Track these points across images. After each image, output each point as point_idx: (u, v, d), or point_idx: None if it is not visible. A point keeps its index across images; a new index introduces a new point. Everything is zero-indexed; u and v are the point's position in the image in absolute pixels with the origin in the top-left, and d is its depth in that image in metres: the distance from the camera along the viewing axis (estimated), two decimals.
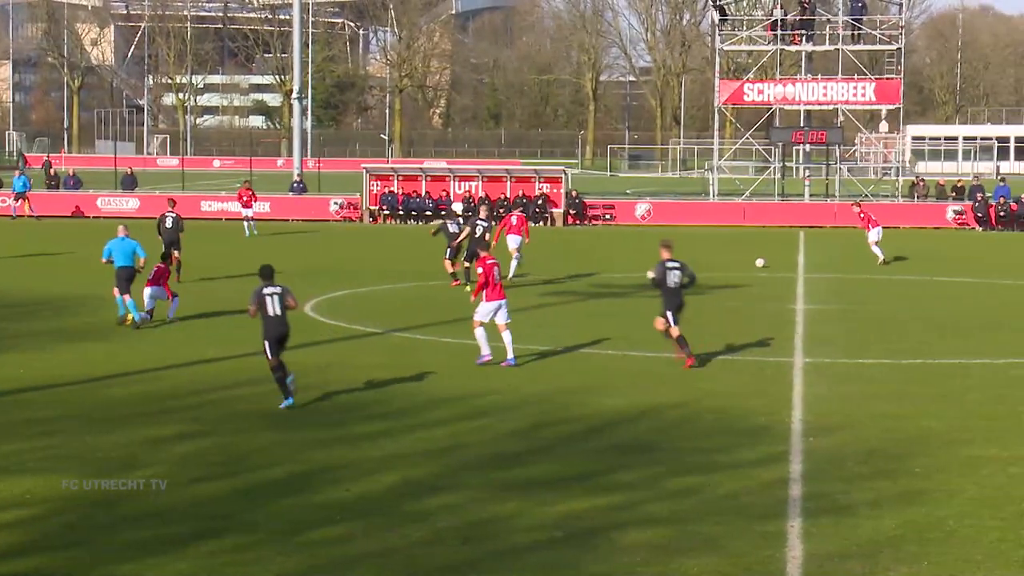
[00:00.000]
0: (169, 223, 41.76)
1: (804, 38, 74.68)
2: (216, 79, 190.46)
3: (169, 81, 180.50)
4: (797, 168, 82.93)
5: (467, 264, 40.16)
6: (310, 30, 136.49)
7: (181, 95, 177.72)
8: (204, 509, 17.35)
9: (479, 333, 27.34)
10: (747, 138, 79.98)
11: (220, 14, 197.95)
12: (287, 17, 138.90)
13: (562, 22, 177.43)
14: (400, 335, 31.61)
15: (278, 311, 23.44)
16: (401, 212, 69.09)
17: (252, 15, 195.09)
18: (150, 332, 31.45)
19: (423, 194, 69.91)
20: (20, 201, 69.12)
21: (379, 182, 70.76)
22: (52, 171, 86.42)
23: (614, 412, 23.21)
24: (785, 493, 18.22)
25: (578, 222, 69.19)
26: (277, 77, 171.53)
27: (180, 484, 18.32)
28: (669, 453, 20.51)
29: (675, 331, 27.79)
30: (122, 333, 31.16)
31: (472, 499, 17.87)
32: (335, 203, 70.80)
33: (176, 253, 39.86)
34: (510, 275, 41.61)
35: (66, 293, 38.47)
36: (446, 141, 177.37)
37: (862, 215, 51.00)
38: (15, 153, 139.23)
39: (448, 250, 41.52)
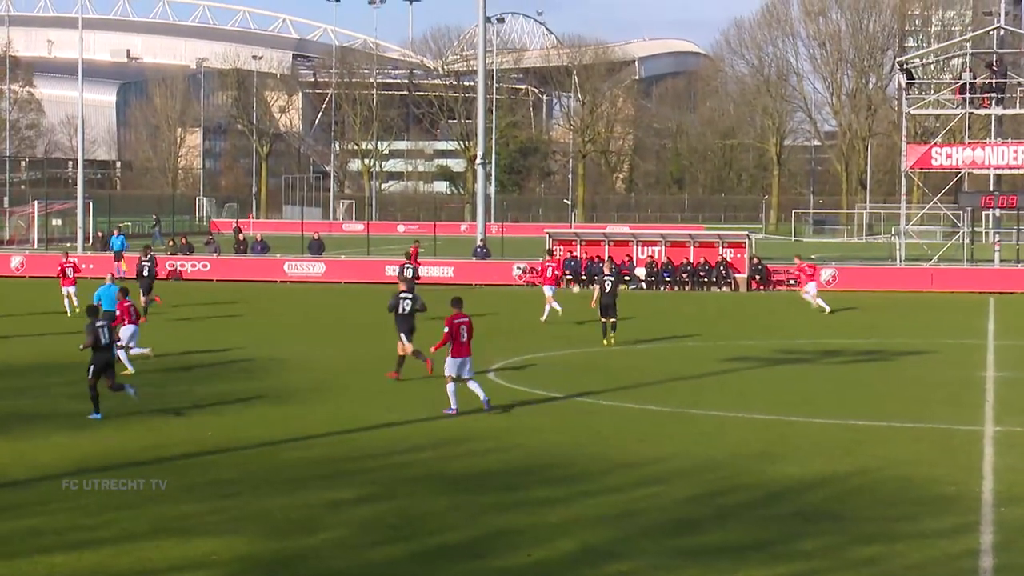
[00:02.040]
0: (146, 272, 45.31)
1: (994, 101, 73.49)
2: (401, 145, 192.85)
3: (355, 147, 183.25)
4: (986, 233, 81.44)
5: (608, 319, 42.69)
6: (494, 96, 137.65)
7: (367, 161, 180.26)
8: (381, 571, 17.36)
9: (450, 388, 28.51)
10: (935, 202, 78.78)
11: (405, 81, 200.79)
12: (471, 84, 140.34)
13: (745, 86, 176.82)
14: (580, 400, 31.48)
15: None
16: (584, 277, 69.10)
17: (437, 82, 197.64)
18: (328, 396, 31.68)
19: (606, 259, 69.83)
20: (118, 261, 69.37)
21: (562, 247, 70.91)
22: (241, 236, 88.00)
23: (794, 479, 22.83)
24: (974, 564, 17.73)
25: (762, 287, 68.60)
26: (461, 143, 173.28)
27: (358, 547, 18.37)
28: (850, 522, 20.08)
29: (409, 348, 33.67)
30: (300, 397, 31.42)
31: (650, 566, 17.66)
32: (518, 268, 71.06)
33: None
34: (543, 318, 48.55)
35: (249, 355, 38.96)
36: (629, 206, 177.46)
37: None
38: (205, 219, 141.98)
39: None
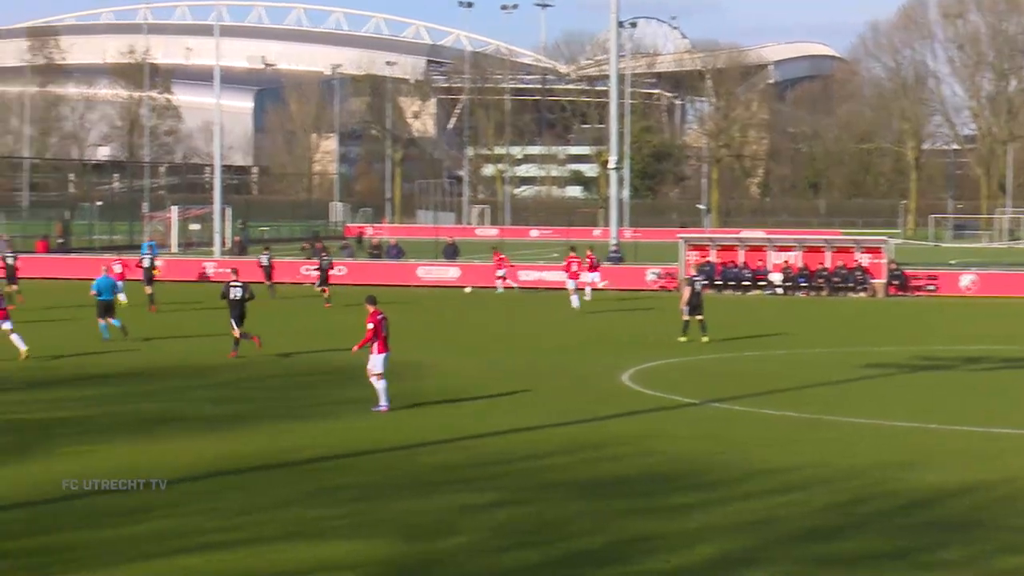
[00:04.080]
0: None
1: None
2: (534, 150, 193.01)
3: (488, 152, 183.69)
4: None
5: (693, 317, 44.50)
6: (627, 101, 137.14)
7: (500, 166, 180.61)
8: None
9: (380, 385, 29.17)
10: None
11: (538, 86, 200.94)
12: (604, 88, 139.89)
13: (883, 90, 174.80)
14: (716, 406, 31.23)
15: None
16: (719, 281, 68.60)
17: (570, 87, 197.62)
18: (464, 401, 31.68)
19: (740, 264, 69.39)
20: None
21: (696, 252, 70.50)
22: (376, 241, 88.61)
23: (934, 488, 22.44)
24: None
25: (900, 293, 67.72)
26: (594, 147, 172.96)
27: (493, 551, 18.32)
28: (993, 531, 19.69)
29: (236, 332, 37.81)
30: (435, 402, 31.44)
31: (788, 573, 17.47)
32: (652, 273, 70.76)
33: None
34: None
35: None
36: (763, 210, 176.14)
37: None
38: (339, 224, 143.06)
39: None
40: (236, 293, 38.21)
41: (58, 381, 34.23)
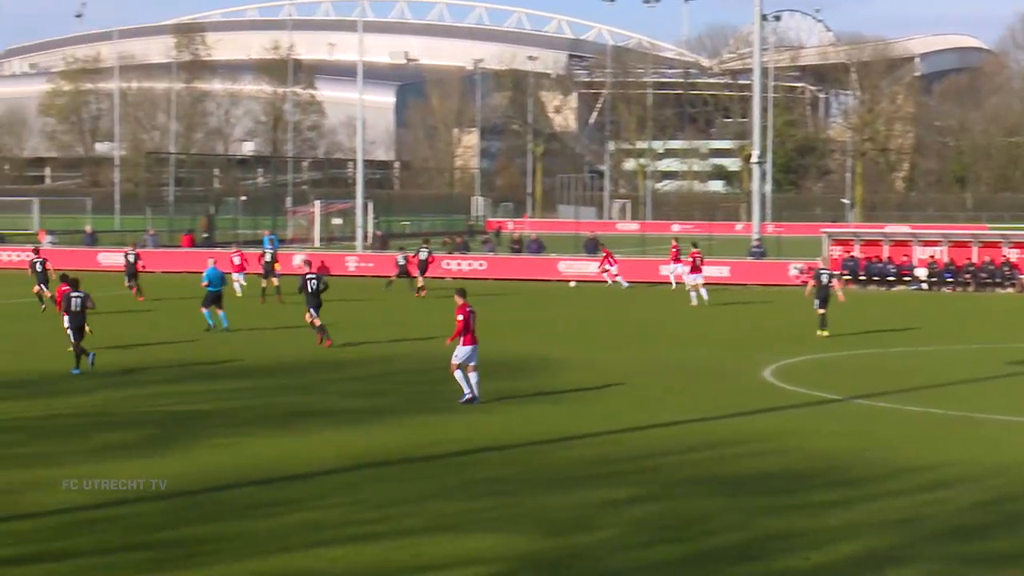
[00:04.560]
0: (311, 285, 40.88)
1: None
2: (676, 144, 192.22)
3: (629, 147, 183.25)
4: None
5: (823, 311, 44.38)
6: (770, 95, 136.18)
7: (641, 160, 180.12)
8: (656, 572, 17.20)
9: (458, 375, 29.39)
10: None
11: (680, 80, 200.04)
12: (747, 82, 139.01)
13: None
14: (860, 402, 30.85)
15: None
16: (863, 277, 67.79)
17: (712, 81, 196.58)
18: (603, 396, 31.58)
19: (884, 259, 68.56)
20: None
21: (840, 247, 69.75)
22: (516, 235, 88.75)
23: None
24: None
25: None
26: (737, 142, 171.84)
27: (633, 547, 18.23)
28: None
29: (317, 321, 39.78)
30: (575, 396, 31.40)
31: (933, 572, 17.20)
32: (795, 268, 70.13)
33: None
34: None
35: (524, 354, 39.10)
36: (908, 205, 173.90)
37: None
38: (480, 218, 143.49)
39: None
40: (312, 285, 40.13)
41: (201, 375, 34.63)
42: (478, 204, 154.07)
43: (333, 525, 19.14)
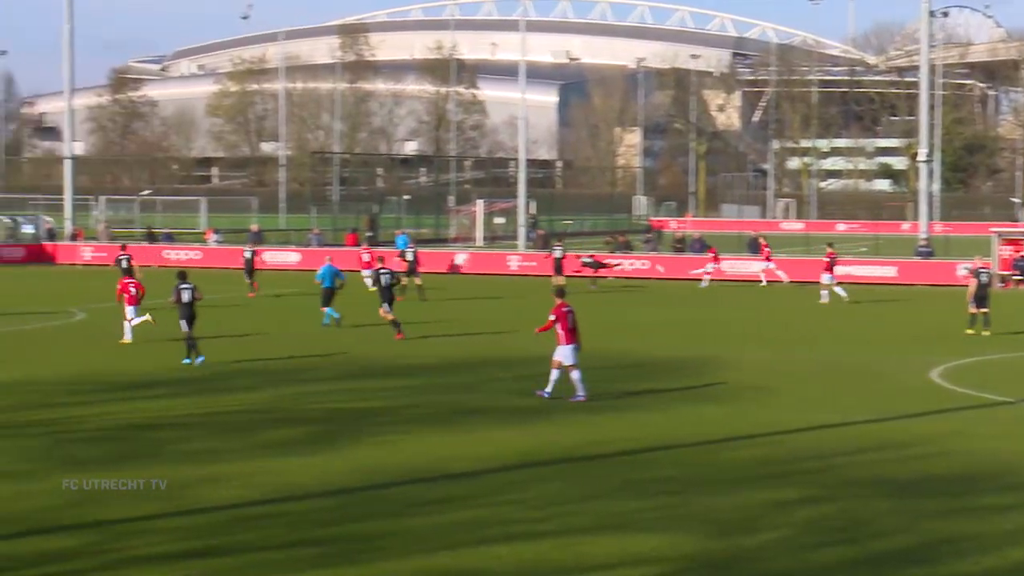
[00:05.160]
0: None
1: None
2: (841, 143, 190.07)
3: (794, 145, 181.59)
4: None
5: (980, 310, 44.56)
6: (938, 92, 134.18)
7: (805, 159, 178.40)
8: (825, 574, 16.98)
9: (554, 374, 29.60)
10: None
11: (846, 78, 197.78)
12: (914, 80, 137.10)
13: None
14: None
15: None
16: None
17: (879, 78, 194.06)
18: (767, 396, 31.29)
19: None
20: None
21: (1010, 246, 68.43)
22: (679, 235, 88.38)
23: None
24: None
25: None
26: (903, 140, 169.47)
27: (801, 548, 18.04)
28: None
29: (389, 316, 41.46)
30: (739, 397, 31.14)
31: None
32: (963, 268, 68.88)
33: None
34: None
35: (687, 353, 38.89)
36: None
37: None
38: (642, 217, 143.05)
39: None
40: (385, 279, 42.35)
41: (364, 373, 34.88)
42: (640, 203, 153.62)
43: (497, 523, 19.16)
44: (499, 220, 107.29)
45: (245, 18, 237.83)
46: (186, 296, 35.68)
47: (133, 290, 40.19)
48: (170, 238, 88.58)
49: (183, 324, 35.57)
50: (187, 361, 35.16)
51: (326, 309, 45.18)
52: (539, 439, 25.40)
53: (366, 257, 60.98)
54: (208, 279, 60.28)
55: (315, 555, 17.46)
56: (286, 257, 75.77)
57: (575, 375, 29.66)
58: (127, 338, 39.73)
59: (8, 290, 57.85)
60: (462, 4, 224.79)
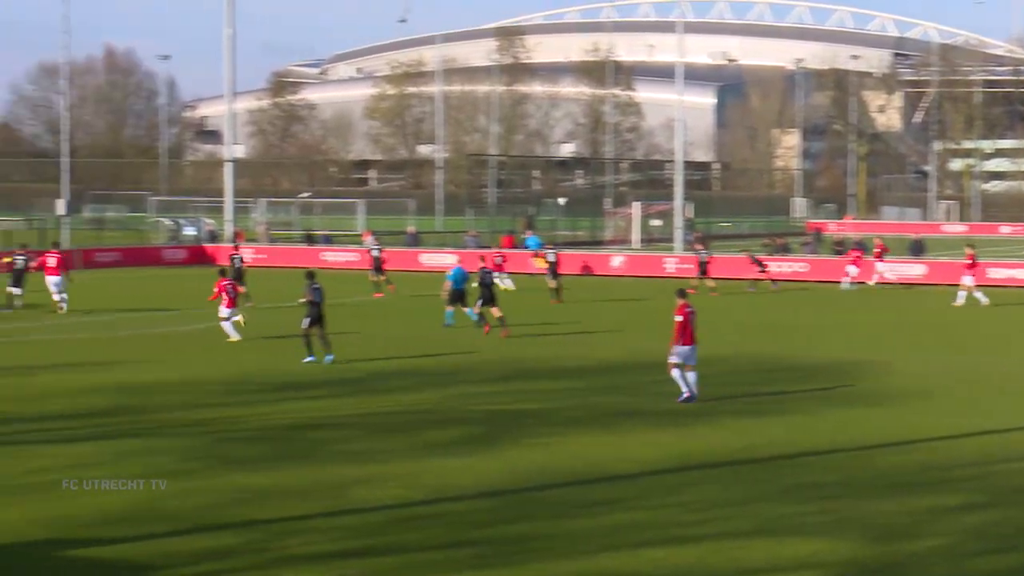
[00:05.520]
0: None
1: None
2: (1006, 144, 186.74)
3: (956, 146, 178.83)
4: None
5: None
6: None
7: (968, 160, 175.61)
8: None
9: (676, 374, 29.47)
10: None
11: (1011, 78, 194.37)
12: None
13: None
14: None
15: None
16: None
17: None
18: (925, 401, 30.79)
19: None
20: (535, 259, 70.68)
21: None
22: (838, 237, 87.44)
23: None
24: None
25: None
26: None
27: (964, 555, 17.75)
28: None
29: (496, 312, 42.87)
30: (897, 401, 30.67)
31: None
32: None
33: None
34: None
35: (843, 357, 38.40)
36: None
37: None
38: (800, 219, 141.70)
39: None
40: (487, 279, 44.20)
41: (522, 374, 34.90)
42: (799, 205, 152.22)
43: (655, 526, 19.05)
44: (656, 223, 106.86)
45: (403, 22, 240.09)
46: (316, 295, 36.27)
47: (232, 292, 40.94)
48: (328, 240, 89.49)
49: (306, 322, 36.13)
50: (309, 359, 35.70)
51: (449, 309, 45.62)
52: (697, 442, 25.24)
53: (499, 260, 61.73)
54: (363, 281, 60.99)
55: (473, 556, 17.49)
56: (442, 259, 76.07)
57: (690, 375, 29.66)
58: (234, 337, 40.38)
59: (170, 291, 58.77)
60: (619, 6, 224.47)
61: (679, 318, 29.69)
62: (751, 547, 17.98)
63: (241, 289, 42.50)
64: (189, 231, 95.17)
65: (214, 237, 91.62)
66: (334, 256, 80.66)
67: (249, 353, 37.75)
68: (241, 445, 24.68)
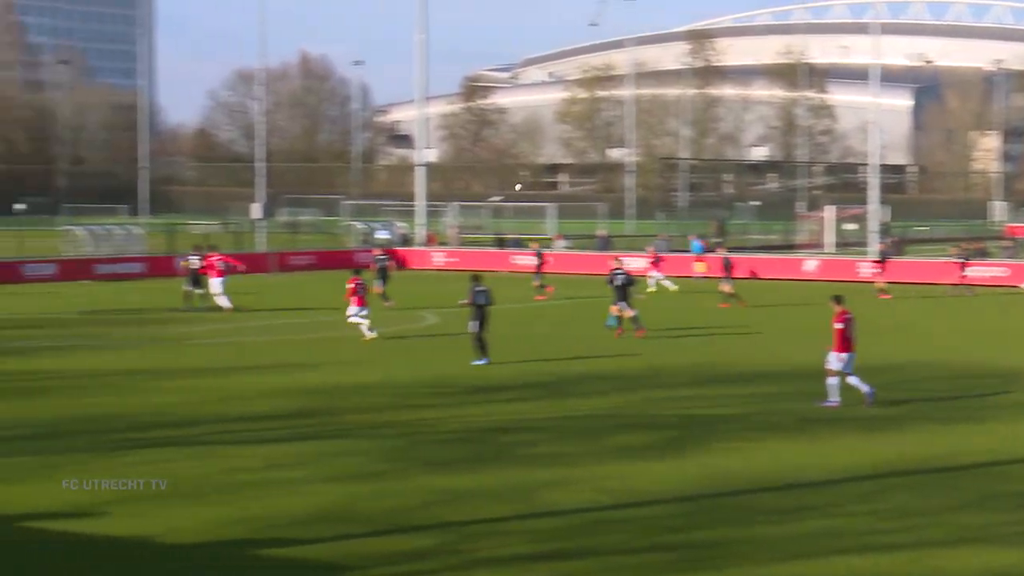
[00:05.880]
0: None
1: None
2: None
3: None
4: None
5: None
6: None
7: None
8: None
9: (832, 381, 29.22)
10: None
11: None
12: None
13: None
14: None
15: None
16: None
17: None
18: None
19: None
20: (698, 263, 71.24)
21: None
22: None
23: None
24: None
25: None
26: None
27: None
28: None
29: (628, 312, 42.85)
30: None
31: None
32: None
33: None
34: None
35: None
36: None
37: None
38: (999, 223, 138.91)
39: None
40: (620, 280, 43.36)
41: (713, 379, 34.64)
42: (997, 209, 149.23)
43: (852, 533, 18.75)
44: (850, 227, 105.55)
45: (594, 25, 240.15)
46: (482, 299, 36.77)
47: (362, 291, 41.97)
48: (519, 244, 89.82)
49: (473, 325, 36.63)
50: (477, 363, 36.02)
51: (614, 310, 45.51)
52: (891, 449, 24.84)
53: (652, 260, 62.95)
54: (554, 283, 61.16)
55: (665, 561, 17.38)
56: (632, 263, 75.90)
57: (853, 380, 29.37)
58: (370, 335, 41.35)
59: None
60: (812, 7, 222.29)
61: (839, 325, 29.41)
62: (950, 556, 17.64)
63: (378, 289, 43.06)
64: (382, 235, 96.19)
65: (406, 240, 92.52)
66: (524, 260, 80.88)
67: (446, 356, 37.91)
68: (434, 447, 24.83)
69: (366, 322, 41.82)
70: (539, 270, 61.27)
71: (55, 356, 38.67)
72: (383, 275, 54.06)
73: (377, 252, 57.91)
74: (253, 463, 23.12)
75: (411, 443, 25.20)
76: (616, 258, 47.89)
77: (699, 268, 70.31)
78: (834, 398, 29.33)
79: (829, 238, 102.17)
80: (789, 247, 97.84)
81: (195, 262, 52.81)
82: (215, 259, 52.46)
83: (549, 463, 23.38)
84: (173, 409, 28.89)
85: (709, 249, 72.95)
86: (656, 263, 64.31)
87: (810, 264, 76.26)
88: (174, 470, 22.43)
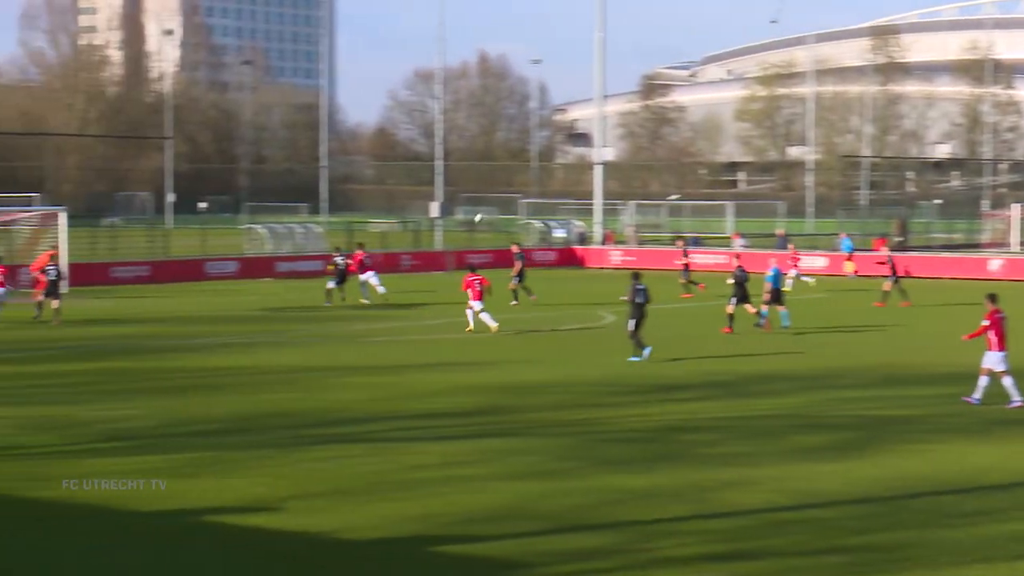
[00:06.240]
0: None
1: None
2: None
3: None
4: None
5: None
6: None
7: None
8: None
9: (982, 380, 29.00)
10: None
11: None
12: None
13: None
14: None
15: None
16: None
17: None
18: None
19: None
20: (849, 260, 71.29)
21: None
22: None
23: None
24: None
25: None
26: None
27: None
28: None
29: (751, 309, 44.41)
30: None
31: None
32: None
33: None
34: None
35: None
36: None
37: None
38: None
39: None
40: (740, 277, 44.99)
41: (895, 380, 34.23)
42: None
43: None
44: None
45: (774, 22, 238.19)
46: (640, 297, 37.15)
47: (478, 286, 43.61)
48: (697, 242, 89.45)
49: (631, 323, 37.07)
50: (634, 359, 36.45)
51: (764, 308, 45.45)
52: None
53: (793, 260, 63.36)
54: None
55: (842, 563, 17.21)
56: (812, 262, 75.21)
57: (1007, 381, 29.03)
58: (493, 325, 43.06)
59: (542, 292, 59.49)
60: (1000, 2, 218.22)
61: (985, 323, 29.33)
62: None
63: (486, 282, 43.73)
64: (559, 233, 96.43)
65: (583, 239, 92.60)
66: (702, 259, 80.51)
67: (624, 355, 37.85)
68: (612, 446, 24.84)
69: (473, 314, 43.61)
70: (686, 267, 61.54)
71: (236, 353, 39.33)
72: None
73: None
74: (431, 460, 23.32)
75: (588, 441, 25.24)
76: (737, 256, 49.55)
77: (848, 268, 69.61)
78: (977, 395, 29.25)
79: (1015, 237, 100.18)
80: (973, 246, 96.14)
81: (341, 262, 55.18)
82: (361, 256, 55.93)
83: (726, 463, 23.27)
84: (352, 405, 29.27)
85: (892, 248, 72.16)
86: (795, 262, 64.27)
87: (995, 264, 74.89)
88: (352, 466, 22.72)
